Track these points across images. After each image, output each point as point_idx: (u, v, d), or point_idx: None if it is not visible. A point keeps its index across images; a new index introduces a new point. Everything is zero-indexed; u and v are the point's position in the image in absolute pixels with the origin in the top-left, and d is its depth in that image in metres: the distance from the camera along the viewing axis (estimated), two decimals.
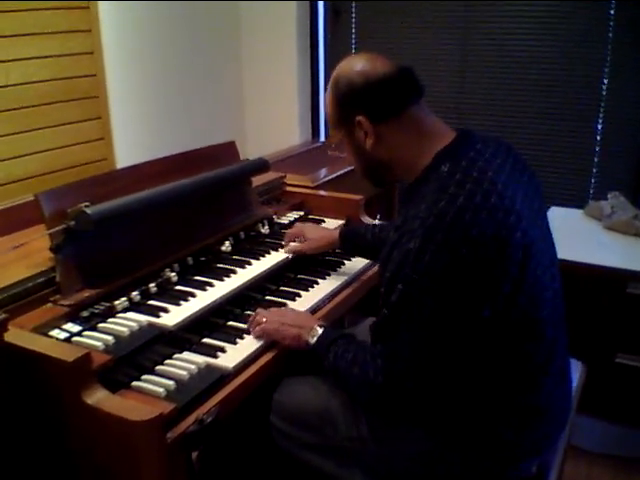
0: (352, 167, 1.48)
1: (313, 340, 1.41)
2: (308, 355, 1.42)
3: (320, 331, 1.41)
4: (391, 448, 1.33)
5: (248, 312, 1.60)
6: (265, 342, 1.45)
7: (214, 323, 1.53)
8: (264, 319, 1.47)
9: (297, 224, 2.02)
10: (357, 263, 1.89)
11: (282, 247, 1.88)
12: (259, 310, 1.53)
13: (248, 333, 1.48)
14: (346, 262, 1.90)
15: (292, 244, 1.87)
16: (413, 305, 1.17)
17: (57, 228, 1.45)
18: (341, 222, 2.13)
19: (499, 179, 1.20)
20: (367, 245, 1.78)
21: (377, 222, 2.08)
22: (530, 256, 1.19)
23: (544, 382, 1.28)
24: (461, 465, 1.28)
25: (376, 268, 1.84)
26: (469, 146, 1.26)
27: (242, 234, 1.92)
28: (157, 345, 1.38)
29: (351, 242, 1.82)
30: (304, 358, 1.45)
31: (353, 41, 3.13)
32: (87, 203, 1.47)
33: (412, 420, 1.31)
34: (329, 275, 1.83)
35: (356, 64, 1.31)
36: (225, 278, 1.66)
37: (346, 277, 1.83)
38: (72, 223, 1.45)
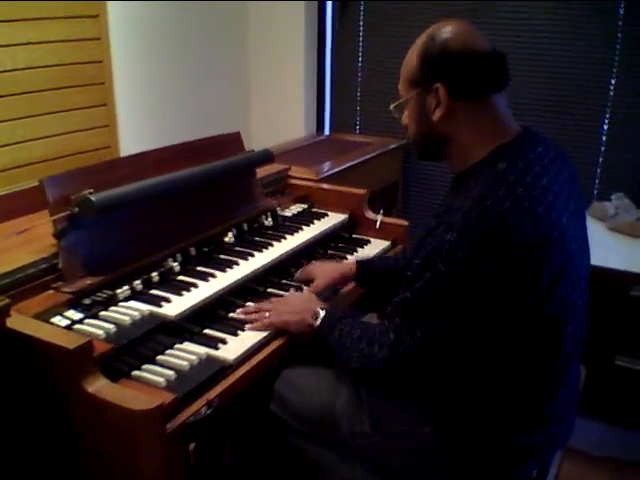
0: (359, 161, 1.46)
1: (317, 322, 1.42)
2: (313, 340, 1.43)
3: (322, 313, 1.42)
4: (396, 443, 1.33)
5: (250, 304, 1.60)
6: (270, 333, 1.45)
7: (216, 314, 1.53)
8: (267, 314, 1.47)
9: (304, 267, 1.77)
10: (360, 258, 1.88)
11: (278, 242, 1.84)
12: (260, 305, 1.53)
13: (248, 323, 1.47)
14: (348, 257, 1.90)
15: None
16: (437, 296, 1.16)
17: (61, 214, 1.44)
18: (344, 216, 2.12)
19: (552, 188, 1.18)
20: (381, 277, 1.71)
21: (380, 218, 2.07)
22: (564, 272, 1.18)
23: (559, 393, 1.28)
24: (467, 463, 1.28)
25: None
26: (530, 148, 1.22)
27: (245, 225, 1.91)
28: (158, 335, 1.38)
29: (367, 275, 1.73)
30: (305, 348, 1.44)
31: (360, 34, 3.12)
32: (91, 190, 1.46)
33: (420, 416, 1.30)
34: None
35: (457, 29, 1.23)
36: (227, 269, 1.65)
37: None
38: (76, 210, 1.44)
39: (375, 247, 2.02)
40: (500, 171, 1.17)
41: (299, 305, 1.49)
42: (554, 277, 1.16)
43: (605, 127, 2.73)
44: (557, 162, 1.24)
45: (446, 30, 1.23)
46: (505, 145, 1.22)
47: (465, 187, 1.21)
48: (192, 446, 1.49)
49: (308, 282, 1.71)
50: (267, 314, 1.47)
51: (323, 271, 1.73)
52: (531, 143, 1.24)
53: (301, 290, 1.67)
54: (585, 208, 1.35)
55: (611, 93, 2.69)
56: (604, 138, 2.74)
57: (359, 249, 1.99)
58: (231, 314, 1.54)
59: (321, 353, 1.43)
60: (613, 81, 2.67)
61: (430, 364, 1.22)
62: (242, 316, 1.51)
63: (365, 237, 2.09)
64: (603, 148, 2.76)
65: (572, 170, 1.29)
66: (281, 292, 1.67)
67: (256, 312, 1.51)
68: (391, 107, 1.36)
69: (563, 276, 1.17)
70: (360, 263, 1.75)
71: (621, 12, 2.57)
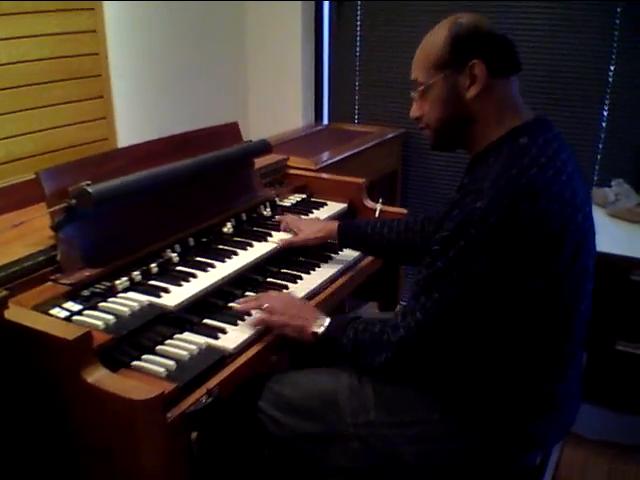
0: (357, 150, 1.45)
1: (321, 329, 1.38)
2: (311, 347, 1.40)
3: (328, 320, 1.40)
4: (402, 431, 1.32)
5: (249, 293, 1.60)
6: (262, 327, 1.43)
7: (215, 304, 1.53)
8: (266, 305, 1.45)
9: (289, 216, 1.94)
10: None
11: (277, 232, 1.84)
12: (261, 295, 1.51)
13: (248, 314, 1.46)
14: None
15: (284, 236, 1.82)
16: (470, 262, 1.16)
17: (58, 206, 1.44)
18: (343, 205, 2.12)
19: (569, 163, 1.23)
20: (366, 239, 1.75)
21: (379, 206, 2.07)
22: (584, 242, 1.21)
23: (568, 374, 1.29)
24: (475, 451, 1.28)
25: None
26: (545, 130, 1.26)
27: (244, 215, 1.90)
28: (158, 325, 1.38)
29: (349, 235, 1.78)
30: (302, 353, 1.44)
31: (358, 24, 3.10)
32: (88, 182, 1.46)
33: (429, 402, 1.31)
34: (331, 259, 1.82)
35: (477, 16, 1.28)
36: (226, 259, 1.65)
37: (349, 260, 1.82)
38: (73, 202, 1.44)
39: None
40: (522, 145, 1.21)
41: (300, 310, 1.45)
42: (577, 245, 1.19)
43: (605, 113, 2.72)
44: (566, 148, 1.27)
45: (467, 16, 1.27)
46: (522, 125, 1.25)
47: (484, 164, 1.23)
48: (195, 436, 1.49)
49: (292, 229, 1.82)
50: (266, 306, 1.44)
51: (307, 226, 1.82)
52: (545, 126, 1.27)
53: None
54: (590, 197, 1.36)
55: (610, 80, 2.67)
56: (604, 124, 2.73)
57: None
58: (231, 304, 1.54)
59: (328, 350, 1.40)
60: (612, 67, 2.65)
61: (459, 340, 1.22)
62: (239, 306, 1.49)
63: None
64: (603, 135, 2.75)
65: (576, 159, 1.31)
66: (281, 282, 1.66)
67: (254, 302, 1.48)
68: (412, 94, 1.35)
69: (582, 247, 1.20)
70: (341, 226, 1.79)
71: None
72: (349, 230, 1.78)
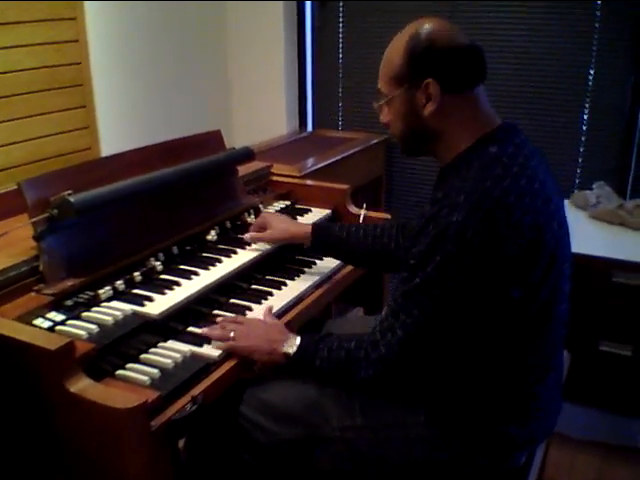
0: (341, 156, 1.46)
1: (292, 349, 1.35)
2: (285, 368, 1.39)
3: (298, 339, 1.37)
4: (388, 434, 1.33)
5: (234, 300, 1.60)
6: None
7: (199, 312, 1.53)
8: (232, 333, 1.39)
9: (263, 213, 1.93)
10: None
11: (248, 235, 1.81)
12: (223, 320, 1.46)
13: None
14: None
15: (253, 233, 1.80)
16: (448, 278, 1.16)
17: (40, 217, 1.43)
18: (327, 212, 2.13)
19: (540, 169, 1.24)
20: (339, 243, 1.71)
21: (363, 212, 2.07)
22: (559, 248, 1.22)
23: (549, 376, 1.30)
24: (459, 453, 1.29)
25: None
26: (513, 135, 1.26)
27: (228, 223, 1.91)
28: (142, 334, 1.38)
29: (322, 239, 1.73)
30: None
31: (340, 32, 3.12)
32: (70, 191, 1.46)
33: (414, 406, 1.31)
34: (315, 264, 1.83)
35: (438, 27, 1.24)
36: (210, 267, 1.65)
37: (333, 265, 1.83)
38: (55, 211, 1.44)
39: None
40: (493, 154, 1.21)
41: (267, 332, 1.41)
42: (552, 252, 1.20)
43: (585, 117, 2.75)
44: (536, 154, 1.27)
45: (427, 27, 1.24)
46: (489, 134, 1.25)
47: (455, 175, 1.23)
48: (182, 443, 1.49)
49: (264, 227, 1.80)
50: (232, 334, 1.39)
51: (278, 223, 1.79)
52: (513, 133, 1.27)
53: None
54: (563, 199, 1.37)
55: (590, 83, 2.70)
56: (584, 128, 2.76)
57: None
58: (215, 311, 1.55)
59: (301, 370, 1.39)
60: (592, 71, 2.68)
61: (440, 353, 1.23)
62: (206, 331, 1.42)
63: None
64: (583, 138, 2.78)
65: (546, 163, 1.32)
66: (265, 288, 1.67)
67: (220, 328, 1.42)
68: (375, 106, 1.36)
69: (557, 253, 1.21)
70: (315, 227, 1.75)
71: (598, 2, 2.59)
72: (322, 232, 1.74)
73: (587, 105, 2.73)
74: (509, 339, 1.23)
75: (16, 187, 1.46)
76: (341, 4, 3.08)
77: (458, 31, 1.26)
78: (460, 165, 1.24)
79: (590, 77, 2.69)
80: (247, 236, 1.80)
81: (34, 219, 1.43)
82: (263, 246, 1.80)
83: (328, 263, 1.85)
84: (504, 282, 1.17)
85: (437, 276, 1.17)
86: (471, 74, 1.25)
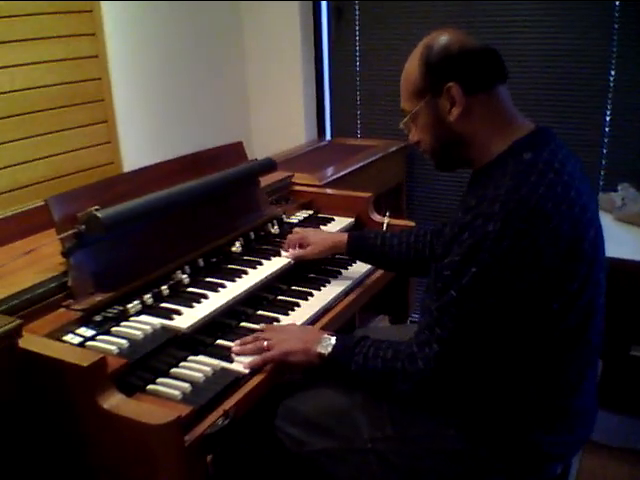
0: (361, 164, 1.45)
1: (327, 350, 1.34)
2: (319, 369, 1.37)
3: (334, 339, 1.35)
4: (419, 446, 1.31)
5: (260, 312, 1.59)
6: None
7: (227, 324, 1.52)
8: (265, 343, 1.38)
9: (296, 229, 1.93)
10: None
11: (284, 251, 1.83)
12: (258, 334, 1.44)
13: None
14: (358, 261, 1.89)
15: (292, 250, 1.81)
16: (483, 290, 1.14)
17: (68, 233, 1.44)
18: (350, 220, 2.12)
19: (576, 175, 1.21)
20: (375, 251, 1.73)
21: (386, 220, 2.06)
22: (597, 257, 1.20)
23: (584, 387, 1.27)
24: (493, 465, 1.27)
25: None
26: (548, 140, 1.24)
27: (252, 234, 1.91)
28: (171, 348, 1.37)
29: (359, 247, 1.76)
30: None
31: (357, 40, 3.12)
32: (97, 207, 1.46)
33: (445, 417, 1.29)
34: (340, 274, 1.82)
35: (449, 35, 1.26)
36: (237, 279, 1.65)
37: (359, 274, 1.82)
38: (83, 227, 1.44)
39: None
40: (527, 160, 1.18)
41: (301, 333, 1.42)
42: (590, 261, 1.17)
43: (607, 118, 2.72)
44: (572, 157, 1.25)
45: (440, 37, 1.27)
46: (524, 138, 1.23)
47: (488, 181, 1.21)
48: (209, 458, 1.48)
49: (301, 244, 1.80)
50: (265, 343, 1.38)
51: (317, 238, 1.80)
52: (548, 138, 1.25)
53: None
54: (598, 205, 1.35)
55: (611, 84, 2.67)
56: (607, 129, 2.73)
57: None
58: (242, 323, 1.54)
59: (336, 372, 1.37)
60: (613, 72, 2.65)
61: (477, 365, 1.21)
62: (238, 348, 1.40)
63: None
64: (606, 139, 2.74)
65: (582, 166, 1.30)
66: (292, 299, 1.66)
67: (253, 342, 1.41)
68: (400, 125, 1.37)
69: (595, 263, 1.19)
70: (351, 236, 1.77)
71: (617, 3, 2.56)
72: (359, 241, 1.76)
73: (609, 106, 2.70)
74: (546, 350, 1.20)
75: (41, 204, 1.46)
76: (357, 11, 3.07)
77: (470, 38, 1.28)
78: (493, 171, 1.22)
79: (611, 78, 2.66)
80: (288, 255, 1.80)
81: (62, 235, 1.43)
82: (289, 253, 1.80)
83: (353, 272, 1.84)
84: (542, 294, 1.14)
85: (473, 288, 1.15)
86: (490, 72, 1.25)
